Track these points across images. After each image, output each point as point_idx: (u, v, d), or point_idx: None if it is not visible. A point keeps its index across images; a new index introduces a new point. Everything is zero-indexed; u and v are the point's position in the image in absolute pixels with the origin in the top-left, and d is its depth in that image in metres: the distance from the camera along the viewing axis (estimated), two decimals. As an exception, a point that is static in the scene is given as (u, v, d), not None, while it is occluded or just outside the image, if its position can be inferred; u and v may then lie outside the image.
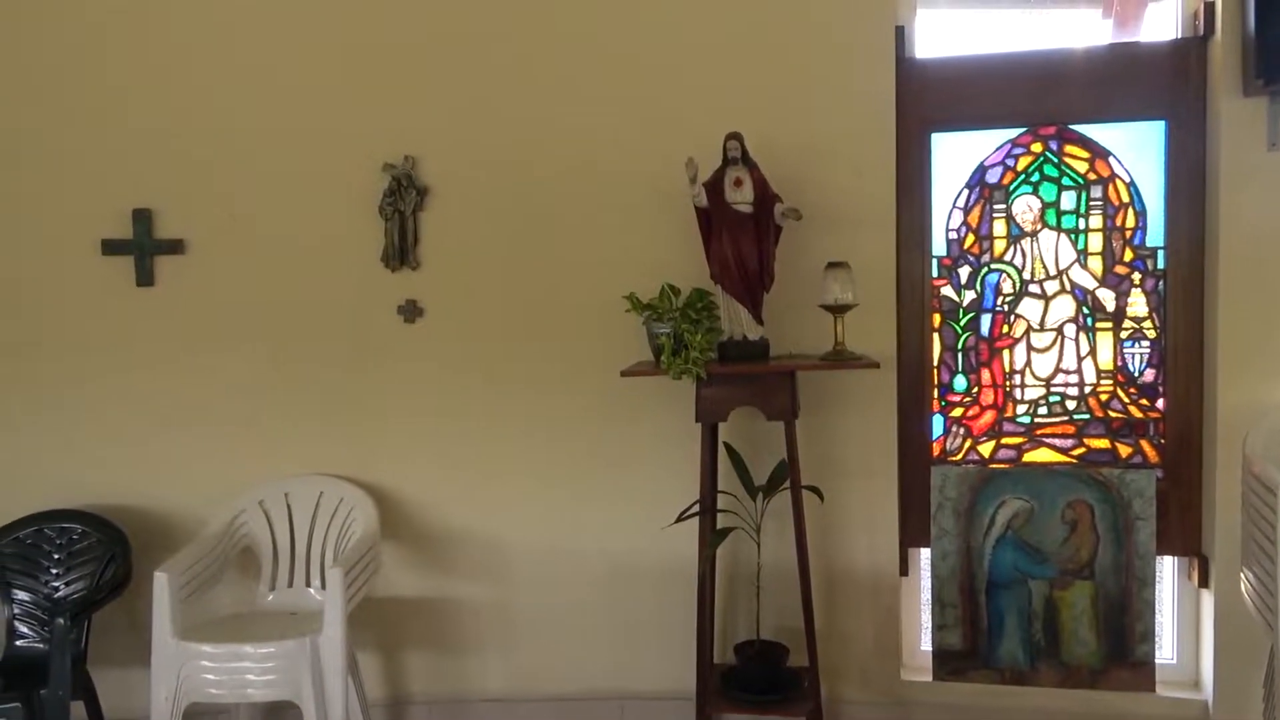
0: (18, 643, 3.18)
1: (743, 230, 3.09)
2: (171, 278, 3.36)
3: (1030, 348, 3.32)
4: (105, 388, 3.34)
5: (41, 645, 3.13)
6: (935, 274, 3.35)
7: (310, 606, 3.24)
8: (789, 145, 3.23)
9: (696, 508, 3.06)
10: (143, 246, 3.34)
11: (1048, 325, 3.31)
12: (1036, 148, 3.30)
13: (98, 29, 3.29)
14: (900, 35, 3.32)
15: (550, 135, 3.37)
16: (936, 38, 3.60)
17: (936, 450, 3.37)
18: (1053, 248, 3.31)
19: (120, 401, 3.35)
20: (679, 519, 3.07)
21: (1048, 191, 3.30)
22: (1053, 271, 3.30)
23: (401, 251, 3.41)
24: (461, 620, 3.47)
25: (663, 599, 3.36)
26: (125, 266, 3.33)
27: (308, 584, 3.32)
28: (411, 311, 3.42)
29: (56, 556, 3.23)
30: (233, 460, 3.39)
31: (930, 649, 3.28)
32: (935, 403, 3.36)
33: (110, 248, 3.32)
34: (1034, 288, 3.31)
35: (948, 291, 3.36)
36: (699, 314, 3.12)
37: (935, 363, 3.36)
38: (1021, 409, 3.32)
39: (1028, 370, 3.32)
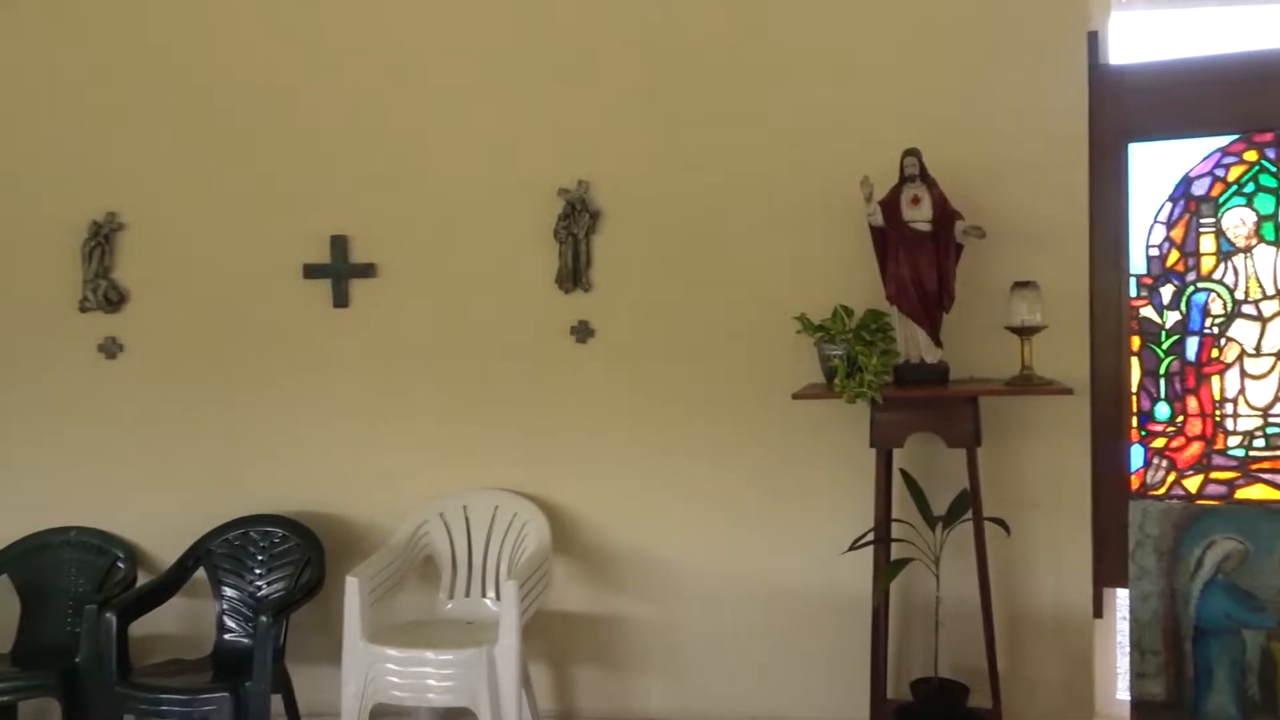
0: (225, 636, 3.45)
1: (921, 249, 3.00)
2: (365, 299, 3.58)
3: (1244, 374, 3.04)
4: (304, 402, 3.59)
5: (246, 640, 3.38)
6: (1134, 293, 3.13)
7: (486, 617, 3.35)
8: (971, 160, 3.11)
9: (871, 536, 2.97)
10: (339, 270, 3.57)
11: (1265, 350, 3.03)
12: (1250, 156, 3.03)
13: (300, 74, 3.54)
14: (1093, 41, 3.14)
15: (721, 157, 3.38)
16: (1132, 42, 3.39)
17: (1135, 483, 3.13)
18: (1270, 265, 3.03)
19: (317, 415, 3.58)
20: (852, 547, 2.99)
21: (1264, 203, 3.02)
22: (1270, 291, 3.02)
23: (574, 274, 3.50)
24: (628, 638, 3.50)
25: (833, 628, 3.27)
26: (323, 289, 3.58)
27: (484, 594, 3.44)
28: (583, 332, 3.50)
29: (260, 558, 3.49)
30: (416, 473, 3.55)
31: (1128, 698, 3.04)
32: (1134, 432, 3.13)
33: (310, 271, 3.57)
34: (1248, 308, 3.04)
35: (1148, 312, 3.13)
36: (873, 335, 3.04)
37: (1134, 389, 3.13)
38: (1234, 441, 3.04)
39: (1241, 398, 3.04)
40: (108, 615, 3.15)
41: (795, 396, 3.02)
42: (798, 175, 3.31)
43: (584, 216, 3.48)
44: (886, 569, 2.93)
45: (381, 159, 3.55)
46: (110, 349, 3.57)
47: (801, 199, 3.31)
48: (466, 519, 3.50)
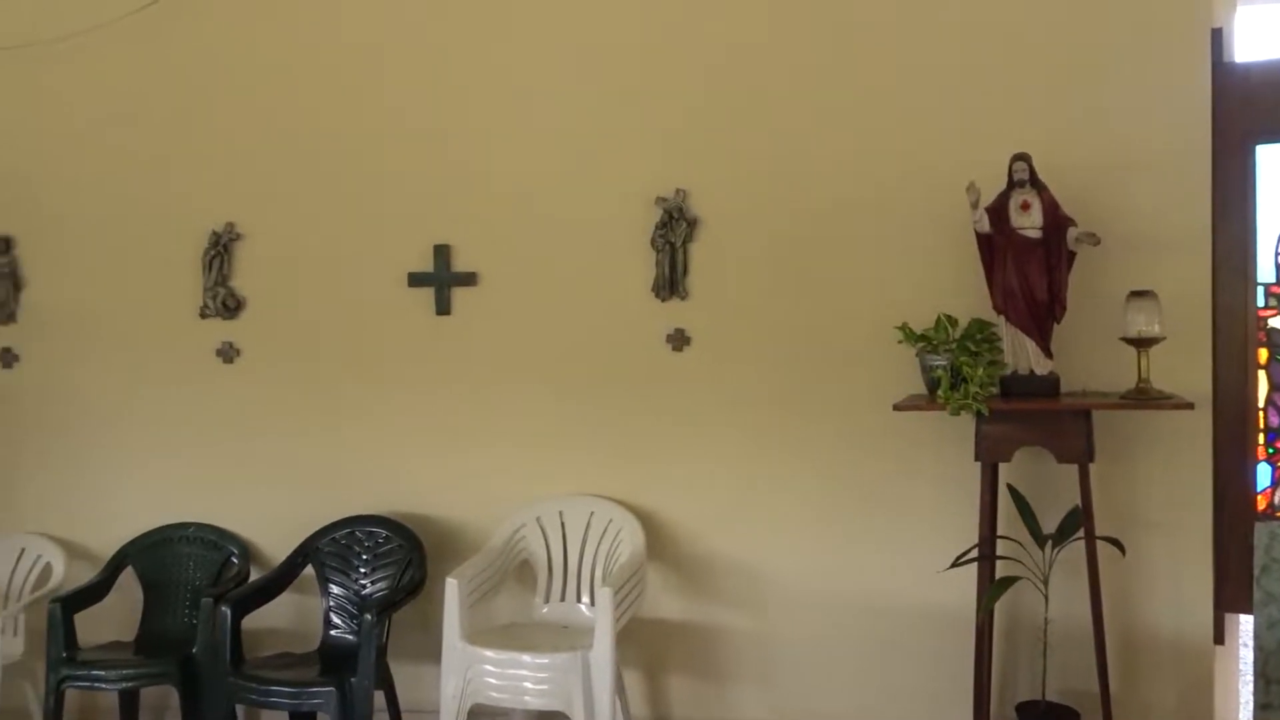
0: (331, 632, 3.57)
1: (1030, 257, 2.91)
2: (466, 307, 3.65)
3: (1385, 389, 2.85)
4: (408, 407, 3.68)
5: (351, 636, 3.49)
6: (1261, 303, 2.97)
7: (581, 622, 3.38)
8: (1085, 164, 3.01)
9: (975, 553, 2.89)
10: (442, 279, 3.66)
11: None
12: (1395, 157, 2.84)
13: (403, 91, 3.64)
14: (1217, 38, 3.00)
15: (820, 162, 3.35)
16: (1259, 38, 3.22)
17: (1262, 503, 2.96)
18: None
19: (420, 420, 3.68)
20: (955, 563, 2.91)
21: None
22: None
23: (671, 282, 3.50)
24: (721, 647, 3.48)
25: (934, 645, 3.19)
26: (427, 297, 3.67)
27: (579, 599, 3.47)
28: (680, 340, 3.51)
29: (365, 557, 3.59)
30: (514, 478, 3.61)
31: (1252, 731, 2.88)
32: (1260, 449, 2.96)
33: (415, 280, 3.67)
34: (1390, 319, 2.85)
35: (1276, 323, 2.96)
36: (979, 346, 2.95)
37: (1261, 404, 2.97)
38: (1373, 460, 2.85)
39: (1383, 416, 2.85)
40: (223, 609, 3.29)
41: (896, 408, 2.96)
42: (901, 181, 3.25)
43: (681, 225, 3.48)
44: (992, 588, 2.84)
45: (483, 170, 3.62)
46: (228, 354, 3.74)
47: (904, 205, 3.25)
48: (562, 524, 3.54)
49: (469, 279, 3.65)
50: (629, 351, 3.54)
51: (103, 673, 3.37)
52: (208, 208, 3.70)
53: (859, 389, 3.27)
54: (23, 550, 3.71)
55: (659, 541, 3.50)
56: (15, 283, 3.74)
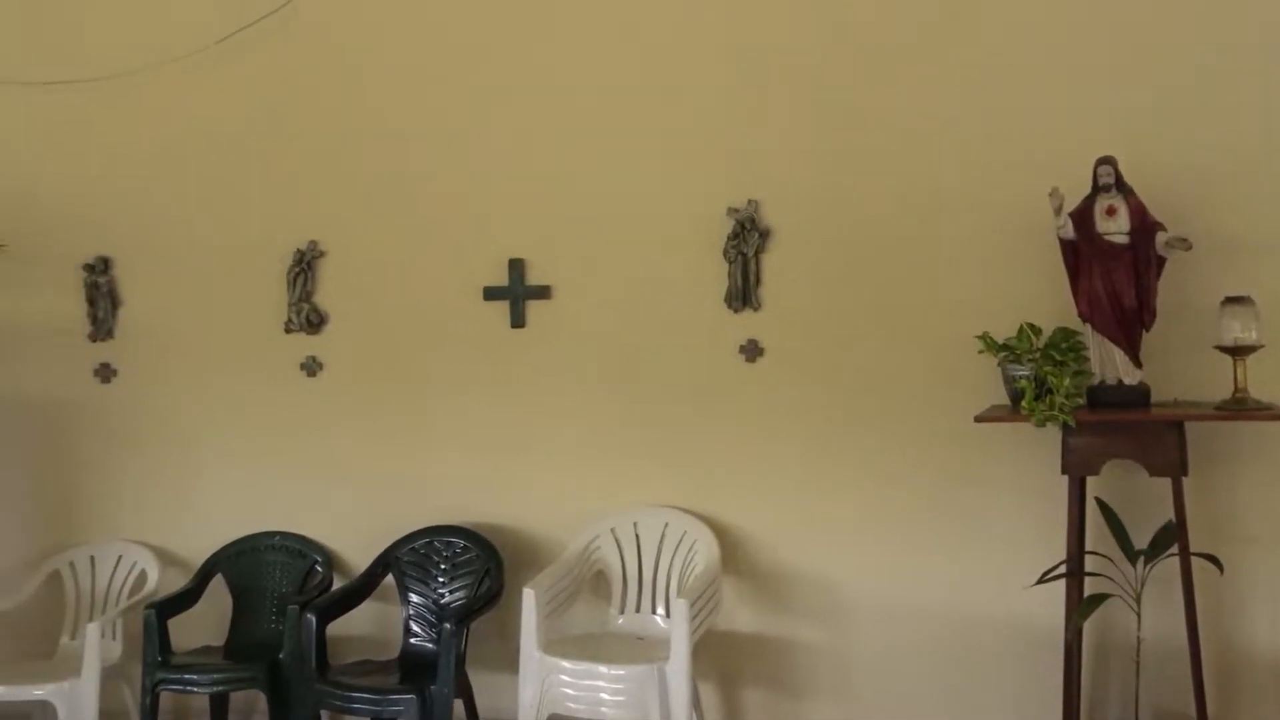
0: (411, 640, 3.63)
1: (1117, 263, 2.83)
2: (540, 320, 3.70)
3: None
4: (484, 418, 3.73)
5: (430, 645, 3.55)
6: (1368, 309, 2.83)
7: (656, 633, 3.38)
8: (1174, 166, 2.92)
9: (1063, 568, 2.81)
10: (516, 292, 3.71)
11: None
12: None
13: (478, 110, 3.69)
14: (1315, 34, 2.88)
15: (895, 169, 3.31)
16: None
17: (1372, 519, 2.82)
18: None
19: (495, 431, 3.72)
20: (1042, 579, 2.84)
21: None
22: None
23: (744, 293, 3.50)
24: (797, 661, 3.45)
25: (1020, 662, 3.11)
26: (502, 310, 3.72)
27: (654, 611, 3.47)
28: (753, 351, 3.49)
29: (443, 566, 3.66)
30: (588, 489, 3.63)
31: (1365, 759, 2.74)
32: (1369, 462, 2.82)
33: (490, 293, 3.73)
34: None
35: (1385, 329, 2.81)
36: (1064, 355, 2.88)
37: (1369, 415, 2.82)
38: None
39: None
40: (308, 616, 3.38)
41: (978, 419, 2.90)
42: (979, 187, 3.20)
43: (753, 235, 3.48)
44: (1082, 604, 2.76)
45: (557, 184, 3.66)
46: (311, 367, 3.84)
47: (983, 212, 3.19)
48: (637, 535, 3.55)
49: (543, 292, 3.69)
50: (702, 363, 3.54)
51: (195, 676, 3.49)
52: (292, 227, 3.82)
53: (937, 400, 3.22)
54: (120, 557, 3.87)
55: (733, 553, 3.48)
56: (114, 301, 3.91)
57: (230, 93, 3.84)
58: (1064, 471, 2.83)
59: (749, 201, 3.47)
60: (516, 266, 3.71)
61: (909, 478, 3.28)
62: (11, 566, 3.86)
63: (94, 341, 3.91)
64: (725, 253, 3.50)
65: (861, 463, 3.35)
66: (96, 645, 3.42)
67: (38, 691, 3.43)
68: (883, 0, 3.34)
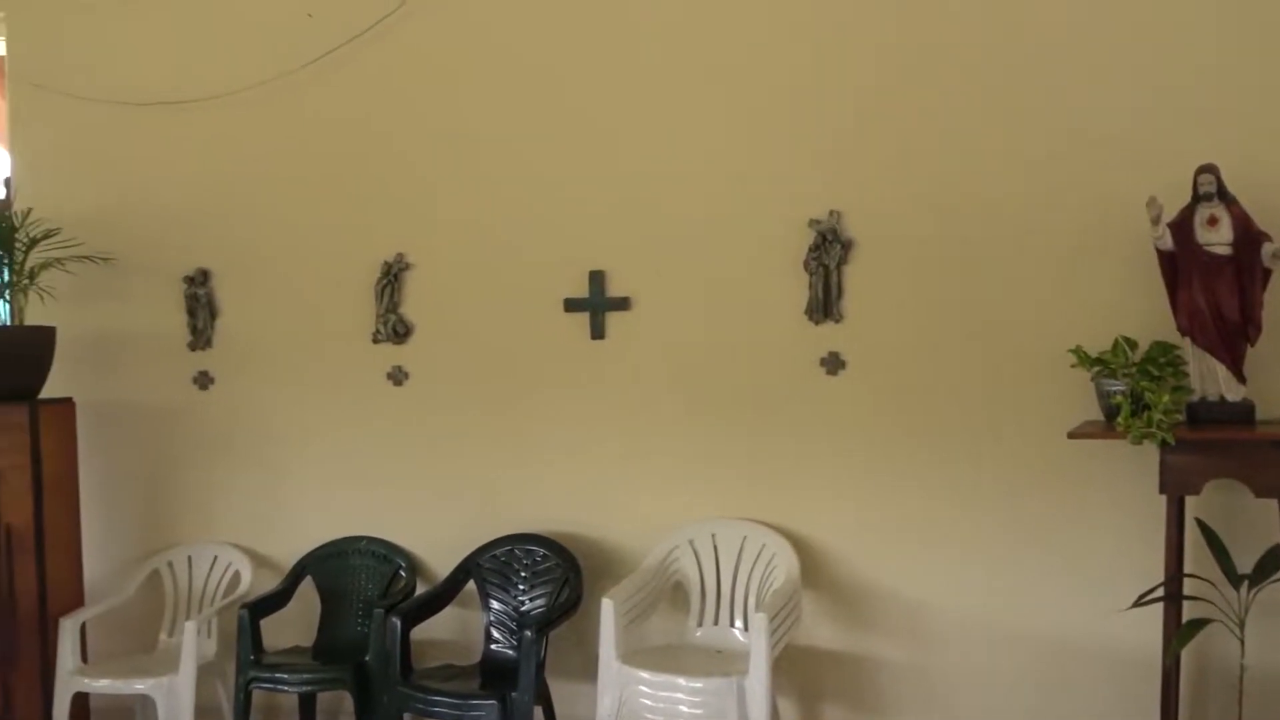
0: (492, 647, 3.69)
1: (1219, 275, 2.73)
2: (620, 331, 3.72)
3: None
4: (564, 428, 3.78)
5: (510, 651, 3.60)
6: None
7: (734, 646, 3.37)
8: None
9: (1160, 592, 2.71)
10: (596, 304, 3.75)
11: None
12: None
13: (558, 126, 3.74)
14: None
15: (981, 177, 3.24)
16: None
17: None
18: None
19: (575, 441, 3.76)
20: (1139, 602, 2.74)
21: None
22: None
23: (825, 305, 3.47)
24: (879, 679, 3.39)
25: (1112, 688, 3.02)
26: (582, 322, 3.76)
27: (732, 624, 3.46)
28: (834, 364, 3.46)
29: (523, 574, 3.71)
30: (666, 500, 3.64)
31: None
32: None
33: (571, 305, 3.77)
34: None
35: None
36: (1162, 370, 2.79)
37: None
38: None
39: None
40: (393, 620, 3.46)
41: (1071, 435, 2.82)
42: (1071, 196, 3.12)
43: (835, 247, 3.45)
44: (1181, 630, 2.66)
45: (637, 196, 3.69)
46: (397, 377, 3.94)
47: (1075, 221, 3.11)
48: (715, 547, 3.55)
49: (623, 304, 3.72)
50: (781, 375, 3.52)
51: (285, 675, 3.60)
52: (379, 240, 3.92)
53: (1026, 415, 3.14)
54: (215, 558, 4.02)
55: (812, 568, 3.45)
56: (212, 311, 4.08)
57: (321, 112, 3.96)
58: (1162, 491, 2.73)
59: (831, 212, 3.45)
60: (597, 278, 3.74)
61: (997, 495, 3.21)
62: (116, 565, 4.05)
63: (193, 350, 4.08)
64: (806, 264, 3.47)
65: (947, 480, 3.29)
66: (193, 643, 3.56)
67: (139, 686, 3.59)
68: (968, 8, 3.29)
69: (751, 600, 3.43)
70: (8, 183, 4.09)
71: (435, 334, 3.91)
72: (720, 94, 3.59)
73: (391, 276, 3.92)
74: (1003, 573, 3.20)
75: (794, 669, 3.44)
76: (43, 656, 3.67)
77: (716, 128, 3.60)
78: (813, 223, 3.45)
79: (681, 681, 3.08)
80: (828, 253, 3.45)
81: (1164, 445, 2.68)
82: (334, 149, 3.97)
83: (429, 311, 3.92)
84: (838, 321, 3.45)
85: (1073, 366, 2.93)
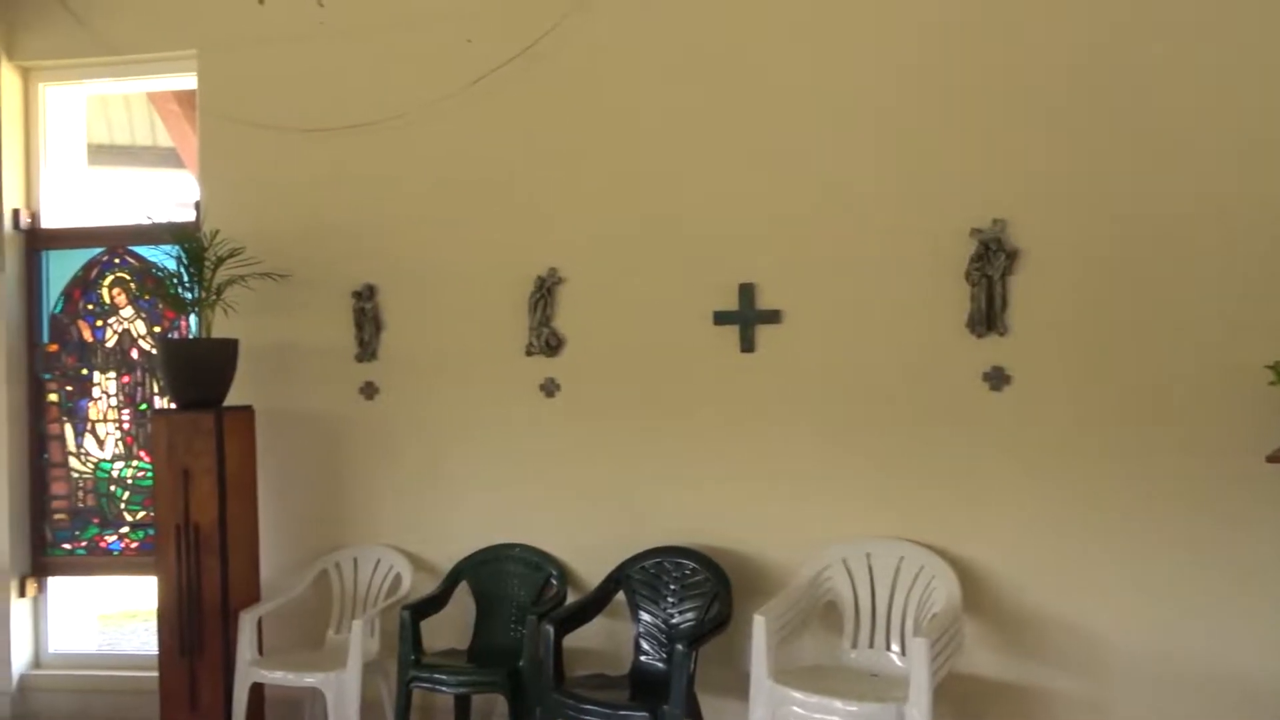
0: (641, 658, 3.71)
1: None
2: (770, 344, 3.69)
3: None
4: (713, 441, 3.77)
5: (659, 664, 3.60)
6: None
7: (891, 671, 3.26)
8: None
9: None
10: (746, 317, 3.73)
11: None
12: None
13: (710, 140, 3.74)
14: None
15: (1156, 180, 3.07)
16: None
17: None
18: None
19: (724, 454, 3.75)
20: (1354, 644, 2.49)
21: None
22: None
23: (988, 317, 3.33)
24: (1047, 713, 3.22)
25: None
26: (731, 335, 3.75)
27: (888, 647, 3.36)
28: (998, 379, 3.32)
29: (673, 587, 3.71)
30: (817, 517, 3.58)
31: None
32: None
33: (720, 318, 3.76)
34: None
35: None
36: (1379, 389, 2.53)
37: None
38: None
39: None
40: (546, 626, 3.52)
41: (1270, 459, 2.60)
42: (1255, 196, 2.89)
43: (1000, 257, 3.31)
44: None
45: (788, 207, 3.65)
46: (550, 388, 4.03)
47: (1260, 225, 2.88)
48: (870, 567, 3.45)
49: (773, 316, 3.68)
50: (941, 390, 3.40)
51: (444, 676, 3.72)
52: (533, 255, 4.02)
53: (1214, 436, 2.93)
54: (379, 560, 4.20)
55: (974, 592, 3.32)
56: (377, 325, 4.27)
57: (478, 133, 4.09)
58: (1381, 522, 2.48)
59: (995, 221, 3.31)
60: (746, 291, 3.72)
61: (1180, 521, 3.00)
62: (288, 564, 4.29)
63: (360, 362, 4.28)
64: (968, 275, 3.35)
65: (1122, 503, 3.09)
66: (360, 641, 3.73)
67: (309, 679, 3.79)
68: (1137, 7, 3.10)
69: (909, 623, 3.31)
70: (198, 206, 4.42)
71: (586, 346, 3.98)
72: (875, 98, 3.52)
73: (544, 290, 4.01)
74: (1190, 604, 2.99)
75: (955, 696, 3.30)
76: (224, 648, 3.92)
77: (870, 136, 3.52)
78: (975, 232, 3.32)
79: (838, 704, 3.00)
80: (991, 263, 3.32)
81: (1384, 472, 2.44)
82: (490, 168, 4.10)
83: (580, 324, 3.99)
84: (1002, 335, 3.31)
85: (1271, 384, 2.70)
